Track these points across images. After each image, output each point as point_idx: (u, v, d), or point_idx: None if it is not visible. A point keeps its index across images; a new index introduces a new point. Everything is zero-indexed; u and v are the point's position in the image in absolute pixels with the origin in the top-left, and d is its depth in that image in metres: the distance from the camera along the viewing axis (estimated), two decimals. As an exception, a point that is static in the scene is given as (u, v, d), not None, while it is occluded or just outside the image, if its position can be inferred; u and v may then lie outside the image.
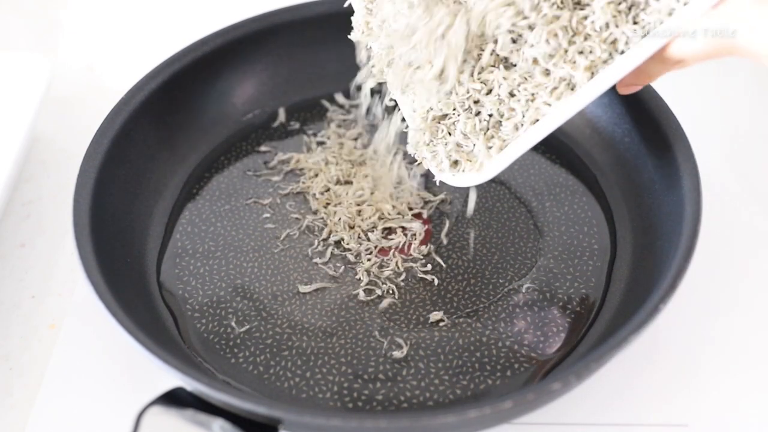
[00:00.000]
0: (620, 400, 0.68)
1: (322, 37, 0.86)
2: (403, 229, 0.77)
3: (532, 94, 0.65)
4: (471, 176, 0.68)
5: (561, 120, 0.65)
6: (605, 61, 0.63)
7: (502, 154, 0.67)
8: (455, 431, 0.64)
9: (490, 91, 0.67)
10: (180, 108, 0.82)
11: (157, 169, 0.80)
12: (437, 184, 0.72)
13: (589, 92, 0.64)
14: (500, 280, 0.73)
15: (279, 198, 0.80)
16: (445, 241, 0.76)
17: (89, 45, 1.00)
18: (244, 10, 0.85)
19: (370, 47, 0.73)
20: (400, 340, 0.70)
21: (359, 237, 0.76)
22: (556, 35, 0.63)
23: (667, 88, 0.77)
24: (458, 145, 0.69)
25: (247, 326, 0.72)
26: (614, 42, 0.63)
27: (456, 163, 0.69)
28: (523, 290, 0.73)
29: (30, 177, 0.86)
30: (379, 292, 0.73)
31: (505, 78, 0.66)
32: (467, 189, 0.77)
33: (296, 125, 0.85)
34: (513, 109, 0.66)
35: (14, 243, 0.81)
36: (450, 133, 0.69)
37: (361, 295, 0.73)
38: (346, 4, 0.74)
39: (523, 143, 0.66)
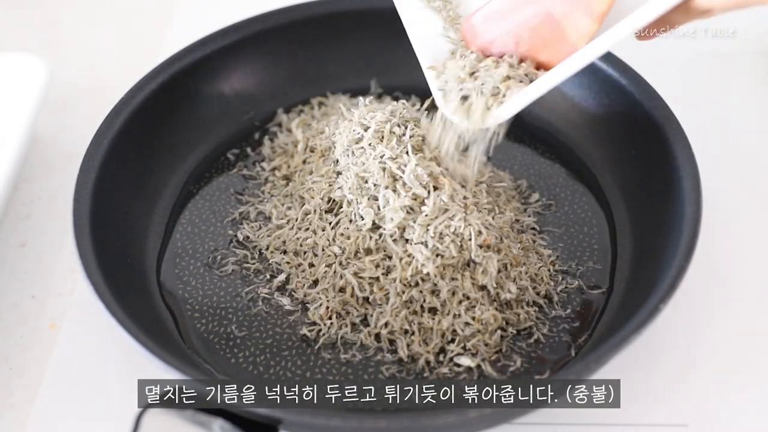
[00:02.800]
0: (621, 400, 0.68)
1: (322, 37, 0.86)
2: None
3: None
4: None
5: (586, 61, 0.65)
6: None
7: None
8: (455, 431, 0.64)
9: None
10: (180, 108, 0.82)
11: (157, 169, 0.80)
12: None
13: (610, 38, 0.64)
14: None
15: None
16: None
17: (89, 45, 1.00)
18: (244, 10, 0.85)
19: None
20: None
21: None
22: None
23: (667, 88, 0.77)
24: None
25: (247, 326, 0.72)
26: None
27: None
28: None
29: (30, 177, 0.86)
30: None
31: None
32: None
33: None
34: None
35: (14, 243, 0.81)
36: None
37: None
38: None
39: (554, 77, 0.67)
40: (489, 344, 0.69)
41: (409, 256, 0.70)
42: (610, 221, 0.77)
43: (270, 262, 0.75)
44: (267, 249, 0.76)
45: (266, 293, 0.73)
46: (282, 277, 0.74)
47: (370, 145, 0.73)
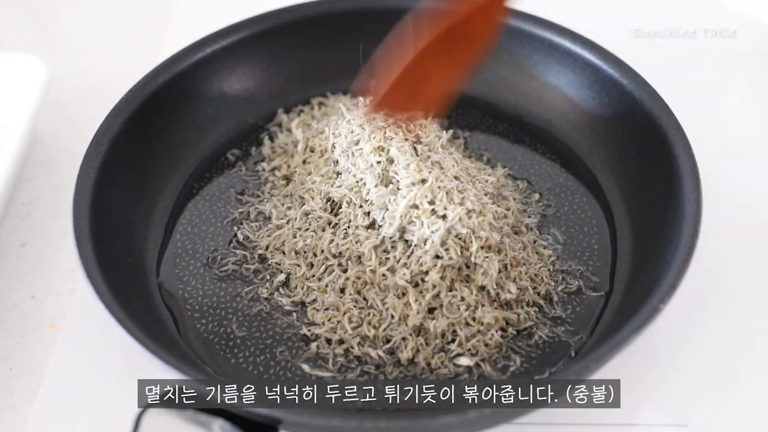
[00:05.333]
0: (621, 400, 0.68)
1: (322, 37, 0.86)
2: None
3: None
4: None
5: None
6: None
7: None
8: (455, 431, 0.64)
9: None
10: (180, 108, 0.82)
11: (157, 169, 0.80)
12: None
13: None
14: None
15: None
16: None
17: (89, 45, 1.00)
18: (244, 10, 0.85)
19: None
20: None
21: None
22: None
23: (667, 87, 0.77)
24: None
25: (247, 326, 0.72)
26: None
27: None
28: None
29: (30, 177, 0.86)
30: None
31: None
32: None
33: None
34: None
35: (14, 243, 0.81)
36: None
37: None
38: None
39: None
40: (489, 344, 0.69)
41: (408, 257, 0.70)
42: (610, 221, 0.77)
43: (270, 262, 0.75)
44: (267, 249, 0.76)
45: (266, 293, 0.73)
46: (282, 277, 0.74)
47: (368, 145, 0.73)
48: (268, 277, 0.74)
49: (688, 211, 0.69)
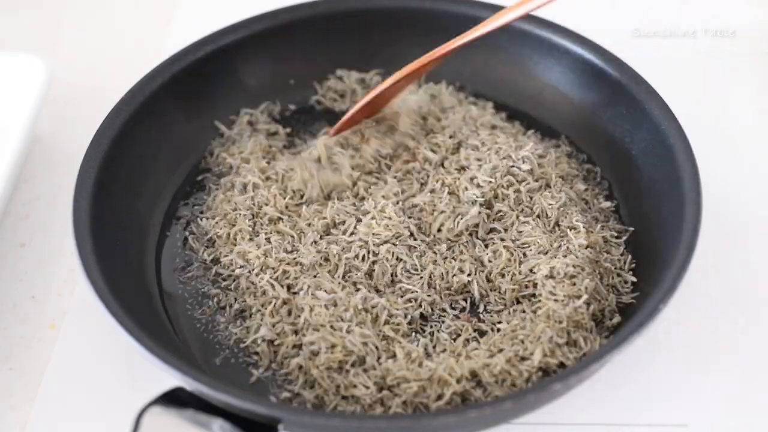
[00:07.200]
0: (621, 400, 0.68)
1: (322, 37, 0.86)
2: None
3: None
4: None
5: None
6: None
7: None
8: (455, 431, 0.64)
9: None
10: (180, 108, 0.82)
11: (157, 169, 0.80)
12: None
13: None
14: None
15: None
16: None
17: (89, 45, 1.00)
18: (245, 10, 0.85)
19: None
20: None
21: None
22: None
23: (667, 87, 0.77)
24: None
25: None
26: None
27: None
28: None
29: (30, 177, 0.86)
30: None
31: None
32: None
33: (295, 126, 0.85)
34: None
35: (14, 243, 0.81)
36: None
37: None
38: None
39: None
40: (516, 384, 0.67)
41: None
42: (610, 221, 0.77)
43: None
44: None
45: (223, 321, 0.72)
46: (236, 307, 0.72)
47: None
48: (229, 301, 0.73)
49: (688, 211, 0.69)
